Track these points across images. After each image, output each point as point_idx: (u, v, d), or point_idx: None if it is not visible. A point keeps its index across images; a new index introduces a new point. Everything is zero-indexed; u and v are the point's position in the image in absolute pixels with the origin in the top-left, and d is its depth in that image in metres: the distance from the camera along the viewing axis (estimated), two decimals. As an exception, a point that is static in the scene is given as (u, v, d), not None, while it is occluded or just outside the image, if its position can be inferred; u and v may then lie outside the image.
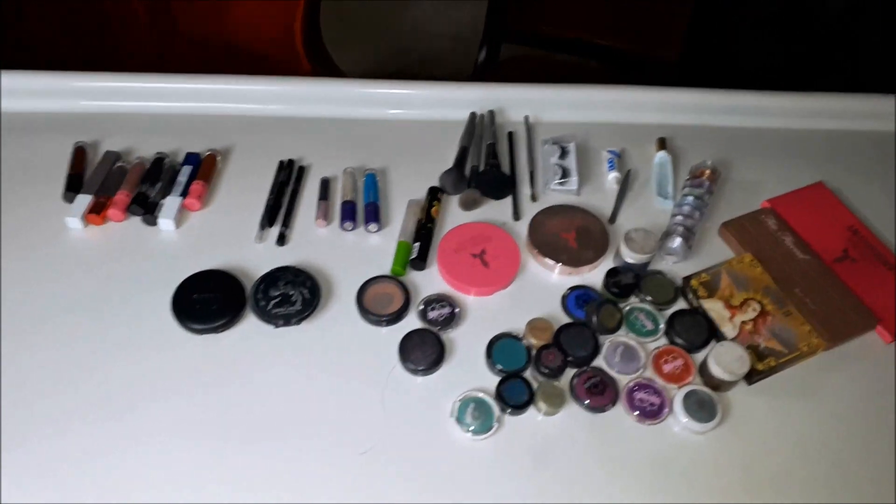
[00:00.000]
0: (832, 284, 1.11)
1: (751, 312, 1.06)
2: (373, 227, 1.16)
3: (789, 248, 1.15)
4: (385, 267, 1.11)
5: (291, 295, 1.05)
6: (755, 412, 1.00)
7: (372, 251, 1.14)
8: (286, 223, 1.16)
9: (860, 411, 1.01)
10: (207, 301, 1.04)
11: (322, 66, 1.79)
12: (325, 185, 1.22)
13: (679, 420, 0.98)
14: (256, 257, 1.12)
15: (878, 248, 1.17)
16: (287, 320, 1.04)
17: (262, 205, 1.18)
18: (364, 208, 1.19)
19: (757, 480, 0.94)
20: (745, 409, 1.00)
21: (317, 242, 1.15)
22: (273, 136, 1.30)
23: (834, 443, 0.98)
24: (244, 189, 1.21)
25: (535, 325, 1.04)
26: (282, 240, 1.14)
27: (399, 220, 1.18)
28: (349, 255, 1.13)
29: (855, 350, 1.06)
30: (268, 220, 1.16)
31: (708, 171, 1.22)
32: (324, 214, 1.17)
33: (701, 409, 0.98)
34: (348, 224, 1.16)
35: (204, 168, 1.22)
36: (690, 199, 1.18)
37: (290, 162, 1.25)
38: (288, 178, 1.23)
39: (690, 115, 1.38)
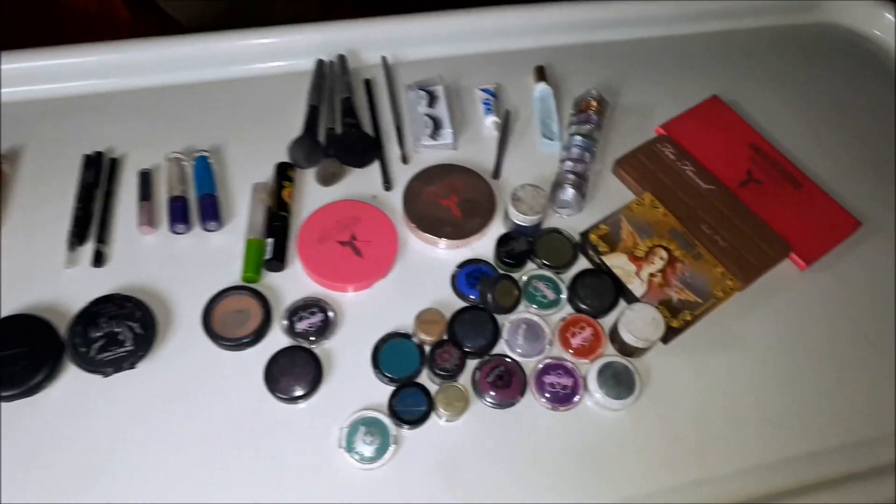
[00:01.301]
0: (740, 214, 1.01)
1: (658, 262, 0.95)
2: (212, 225, 0.95)
3: (691, 179, 1.04)
4: (234, 275, 0.92)
5: (118, 333, 0.85)
6: (676, 374, 0.90)
7: (215, 257, 0.94)
8: (101, 237, 0.93)
9: (785, 349, 0.93)
10: (13, 358, 0.82)
11: (144, 10, 1.48)
12: (146, 180, 0.99)
13: (596, 399, 0.86)
14: (69, 287, 0.89)
15: (783, 165, 1.07)
16: (118, 366, 0.83)
17: (69, 218, 0.94)
18: (198, 203, 0.97)
19: (688, 449, 0.85)
20: (664, 373, 0.90)
21: (144, 256, 0.93)
22: (74, 123, 1.05)
23: (764, 390, 0.90)
24: (44, 199, 0.97)
25: (424, 319, 0.89)
26: (98, 259, 0.91)
27: (244, 211, 0.98)
28: (187, 266, 0.93)
29: (770, 284, 0.98)
30: (77, 236, 0.93)
31: (594, 103, 1.07)
32: (148, 218, 0.95)
33: (618, 383, 0.86)
34: (180, 226, 0.94)
35: (-17, 180, 0.96)
36: (578, 139, 1.03)
37: (99, 155, 1.01)
38: (97, 177, 0.99)
39: (566, 34, 1.22)
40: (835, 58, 1.27)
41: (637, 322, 0.87)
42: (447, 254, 0.97)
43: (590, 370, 0.88)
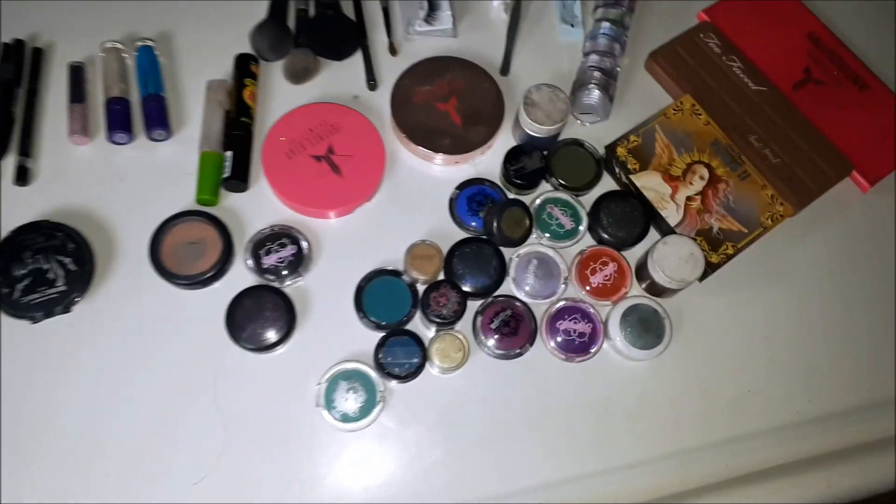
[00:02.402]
0: (794, 123, 0.84)
1: (698, 182, 0.79)
2: (159, 134, 0.78)
3: (739, 79, 0.86)
4: (188, 197, 0.76)
5: (47, 270, 0.70)
6: (711, 316, 0.78)
7: (164, 173, 0.78)
8: (25, 148, 0.76)
9: (839, 287, 0.80)
10: (-80, 299, 0.68)
11: None
12: (78, 77, 0.80)
13: (619, 348, 0.74)
14: (-13, 212, 0.74)
15: (847, 61, 0.89)
16: (48, 310, 0.69)
17: (-19, 123, 0.77)
18: (142, 106, 0.79)
19: (721, 406, 0.74)
20: (698, 315, 0.77)
21: (77, 172, 0.77)
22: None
23: (812, 334, 0.78)
24: (-51, 99, 0.79)
25: (416, 254, 0.74)
26: (22, 176, 0.75)
27: (197, 116, 0.80)
28: (130, 185, 0.77)
29: (825, 207, 0.82)
30: (-6, 147, 0.76)
31: (626, -21, 0.87)
32: (81, 125, 0.77)
33: (645, 330, 0.74)
34: (121, 135, 0.77)
35: None
36: (606, 26, 0.84)
37: (19, 44, 0.82)
38: (17, 73, 0.80)
39: None
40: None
41: (671, 259, 0.73)
42: (445, 171, 0.81)
43: (612, 314, 0.75)
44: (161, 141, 0.79)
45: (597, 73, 0.81)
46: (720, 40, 0.88)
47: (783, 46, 0.89)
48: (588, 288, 0.76)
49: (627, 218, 0.78)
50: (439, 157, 0.80)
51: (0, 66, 0.80)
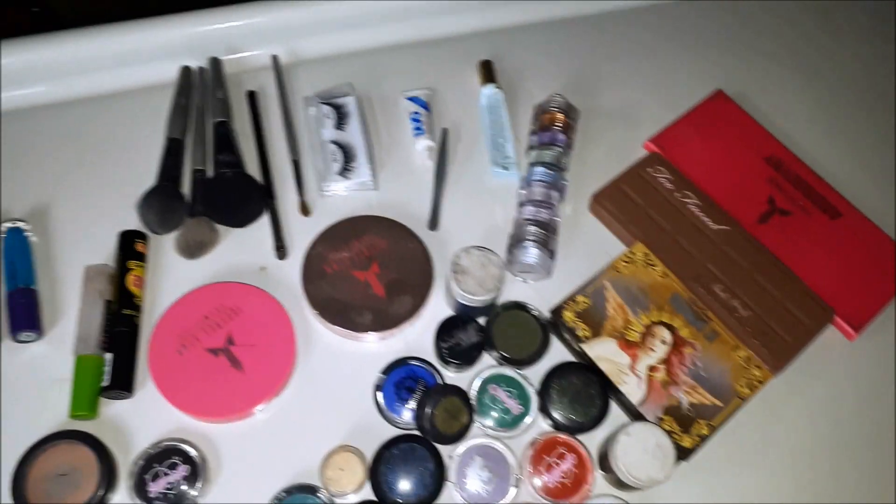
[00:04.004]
0: (763, 266, 0.74)
1: (659, 347, 0.69)
2: (27, 336, 0.66)
3: (696, 217, 0.77)
4: (60, 411, 0.64)
5: None
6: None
7: (32, 383, 0.65)
8: None
9: (832, 454, 0.69)
10: None
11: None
12: (-71, 272, 0.69)
13: (584, 560, 0.61)
14: None
15: (814, 186, 0.80)
16: None
17: None
18: (7, 302, 0.68)
19: None
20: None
21: (-76, 392, 0.65)
22: None
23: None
24: None
25: (333, 464, 0.62)
26: None
27: (72, 309, 0.69)
28: (-11, 405, 0.64)
29: (808, 363, 0.72)
30: None
31: (560, 115, 0.78)
32: (-70, 334, 0.65)
33: (614, 537, 0.62)
34: (-21, 342, 0.65)
35: None
36: (541, 171, 0.75)
37: None
38: None
39: (517, 8, 0.91)
40: (875, 28, 0.97)
41: (634, 452, 0.62)
42: (368, 348, 0.70)
43: (574, 519, 0.63)
44: (30, 342, 0.67)
45: (533, 228, 0.71)
46: (671, 173, 0.79)
47: (741, 174, 0.80)
48: (546, 491, 0.64)
49: (583, 395, 0.67)
50: (360, 335, 0.69)
51: None
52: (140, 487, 0.61)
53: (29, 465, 0.61)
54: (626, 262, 0.72)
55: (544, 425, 0.68)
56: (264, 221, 0.75)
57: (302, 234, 0.74)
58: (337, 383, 0.68)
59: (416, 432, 0.65)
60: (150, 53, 0.83)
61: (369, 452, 0.64)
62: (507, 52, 0.87)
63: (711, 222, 0.76)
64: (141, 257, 0.70)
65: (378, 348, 0.70)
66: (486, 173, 0.80)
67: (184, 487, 0.61)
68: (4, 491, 0.60)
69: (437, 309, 0.72)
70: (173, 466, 0.62)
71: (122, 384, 0.64)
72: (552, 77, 0.86)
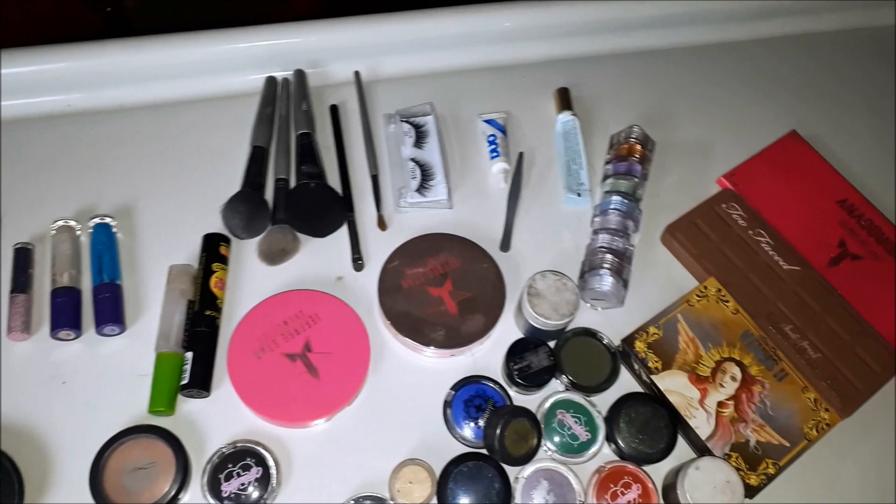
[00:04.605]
0: (833, 308, 0.74)
1: (729, 384, 0.69)
2: (111, 329, 0.68)
3: (768, 256, 0.77)
4: (139, 404, 0.65)
5: (-39, 510, 0.59)
6: (752, 547, 0.65)
7: (113, 375, 0.67)
8: (-47, 349, 0.66)
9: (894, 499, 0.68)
10: None
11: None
12: (23, 262, 0.71)
13: (645, 592, 0.61)
14: None
15: (885, 231, 0.80)
16: (-41, 562, 0.58)
17: None
18: (93, 296, 0.70)
19: None
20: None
21: (11, 373, 0.67)
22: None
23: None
24: None
25: (403, 477, 0.63)
26: (-53, 384, 0.65)
27: (157, 305, 0.71)
28: (72, 391, 0.66)
29: (877, 409, 0.72)
30: (-81, 347, 0.66)
31: (638, 146, 0.79)
32: (22, 321, 0.68)
33: (677, 570, 0.61)
34: (67, 332, 0.67)
35: None
36: (617, 200, 0.76)
37: (-41, 220, 0.73)
38: (-46, 256, 0.71)
39: (596, 39, 0.93)
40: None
41: (704, 487, 0.62)
42: (438, 364, 0.71)
43: (636, 550, 0.63)
44: (112, 336, 0.69)
45: (608, 256, 0.72)
46: (744, 210, 0.79)
47: (813, 216, 0.81)
48: (607, 514, 0.64)
49: (651, 427, 0.67)
50: (432, 350, 0.70)
51: (-61, 244, 0.71)
52: (214, 486, 0.62)
53: (107, 457, 0.62)
54: (699, 296, 0.73)
55: (610, 453, 0.68)
56: (342, 233, 0.77)
57: (377, 247, 0.76)
58: (406, 396, 0.69)
59: (484, 451, 0.66)
60: (236, 63, 0.85)
61: (435, 467, 0.65)
62: (582, 81, 0.89)
63: (783, 262, 0.76)
64: (224, 260, 0.72)
65: (446, 365, 0.71)
66: (558, 199, 0.81)
67: (255, 489, 0.62)
68: (83, 482, 0.61)
69: (505, 330, 0.73)
70: (247, 468, 0.63)
71: (201, 383, 0.66)
72: (627, 108, 0.87)
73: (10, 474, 0.61)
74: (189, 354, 0.66)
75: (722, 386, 0.69)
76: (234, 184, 0.77)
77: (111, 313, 0.68)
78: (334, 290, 0.72)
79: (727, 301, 0.73)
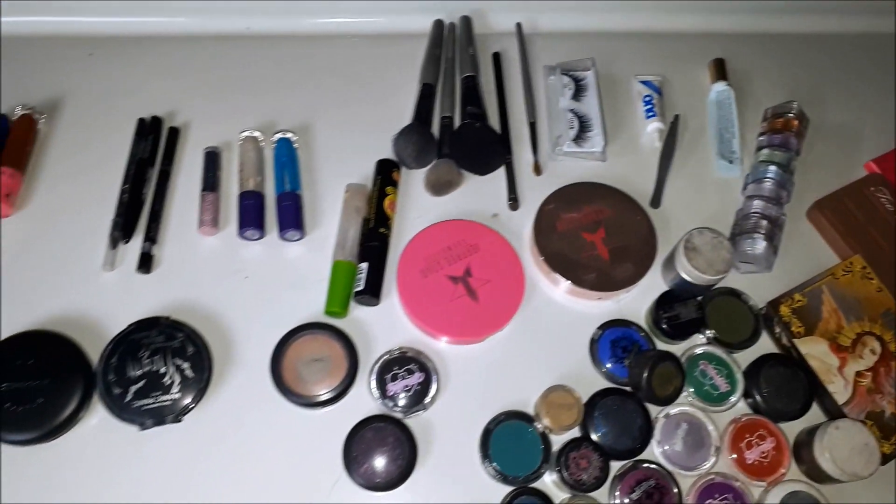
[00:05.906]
0: (976, 299, 0.76)
1: (868, 356, 0.71)
2: (292, 234, 0.74)
3: (913, 242, 0.78)
4: (316, 305, 0.71)
5: (163, 374, 0.65)
6: (876, 512, 0.68)
7: (292, 277, 0.73)
8: (151, 233, 0.73)
9: None
10: (26, 391, 0.63)
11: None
12: (213, 164, 0.77)
13: (771, 538, 0.65)
14: (105, 297, 0.70)
15: None
16: (159, 418, 0.64)
17: (113, 202, 0.74)
18: (277, 203, 0.76)
19: None
20: (861, 509, 0.68)
21: (202, 264, 0.73)
22: (126, 72, 0.83)
23: None
24: (82, 172, 0.77)
25: (553, 401, 0.68)
26: (146, 264, 0.71)
27: (333, 218, 0.76)
28: (257, 286, 0.72)
29: None
30: (122, 228, 0.72)
31: (795, 121, 0.81)
32: (212, 216, 0.74)
33: (804, 522, 0.65)
34: (252, 232, 0.73)
35: (14, 141, 0.75)
36: (773, 169, 0.78)
37: (156, 121, 0.80)
38: (153, 152, 0.78)
39: (757, 17, 0.94)
40: None
41: (842, 447, 0.65)
42: (585, 305, 0.75)
43: (766, 498, 0.66)
44: (293, 241, 0.74)
45: (763, 222, 0.75)
46: (893, 195, 0.81)
47: (960, 208, 0.82)
48: (741, 464, 0.67)
49: (788, 388, 0.70)
50: (581, 291, 0.74)
51: (136, 143, 0.78)
52: (381, 384, 0.68)
53: (286, 346, 0.68)
54: (844, 271, 0.75)
55: (745, 407, 0.71)
56: (500, 173, 0.81)
57: (531, 190, 0.79)
58: (555, 330, 0.73)
59: (627, 388, 0.70)
60: (406, 5, 0.89)
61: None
62: (738, 55, 0.90)
63: (929, 249, 0.78)
64: (395, 185, 0.77)
65: (593, 307, 0.75)
66: (707, 164, 0.84)
67: (416, 393, 0.67)
68: (262, 366, 0.67)
69: (651, 282, 0.76)
70: (410, 372, 0.68)
71: (374, 291, 0.71)
72: (779, 86, 0.89)
73: (202, 350, 0.67)
74: (364, 265, 0.72)
75: (861, 357, 0.71)
76: (403, 117, 0.81)
77: (294, 219, 0.74)
78: (490, 225, 0.76)
79: (872, 279, 0.75)
